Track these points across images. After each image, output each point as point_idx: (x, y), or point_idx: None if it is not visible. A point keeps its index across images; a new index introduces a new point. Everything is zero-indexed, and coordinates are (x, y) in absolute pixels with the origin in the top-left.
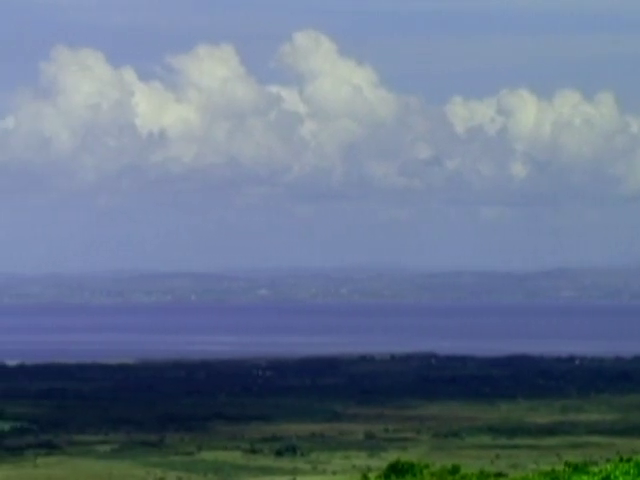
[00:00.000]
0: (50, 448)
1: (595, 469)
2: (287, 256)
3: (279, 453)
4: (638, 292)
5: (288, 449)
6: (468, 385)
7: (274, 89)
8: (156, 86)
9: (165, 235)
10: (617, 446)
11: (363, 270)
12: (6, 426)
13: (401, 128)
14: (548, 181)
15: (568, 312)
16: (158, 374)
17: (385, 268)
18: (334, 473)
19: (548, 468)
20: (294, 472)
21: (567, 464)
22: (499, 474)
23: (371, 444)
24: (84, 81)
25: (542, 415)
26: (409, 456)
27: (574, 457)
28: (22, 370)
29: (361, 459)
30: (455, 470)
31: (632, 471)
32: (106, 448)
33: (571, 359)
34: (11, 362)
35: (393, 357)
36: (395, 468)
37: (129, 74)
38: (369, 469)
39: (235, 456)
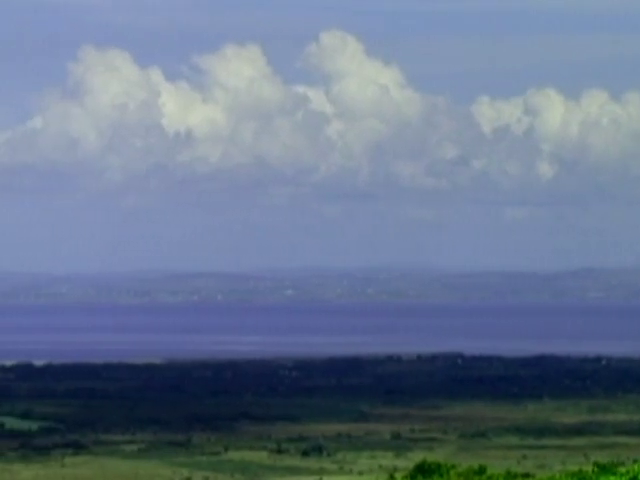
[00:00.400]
0: (77, 448)
1: (622, 469)
2: (313, 256)
3: (305, 453)
4: None
5: (314, 449)
6: (495, 385)
7: (301, 89)
8: (183, 86)
9: (192, 235)
10: None
11: (389, 270)
12: (34, 426)
13: (428, 128)
14: (575, 181)
15: (595, 312)
16: (185, 374)
17: (411, 268)
18: (360, 473)
19: (575, 468)
20: (320, 472)
21: (595, 464)
22: (526, 475)
23: (397, 444)
24: (111, 81)
25: (569, 415)
26: (435, 456)
27: (601, 457)
28: (49, 370)
29: (387, 459)
30: (482, 470)
31: None
32: (133, 448)
33: (598, 359)
34: (38, 362)
35: (419, 357)
36: (422, 468)
37: (156, 74)
38: (395, 469)
39: (261, 456)
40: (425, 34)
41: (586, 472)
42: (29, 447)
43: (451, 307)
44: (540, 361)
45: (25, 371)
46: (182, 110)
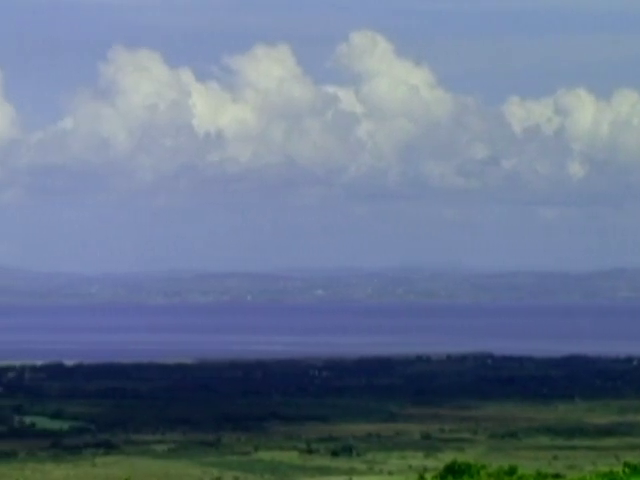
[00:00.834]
0: (108, 447)
1: None
2: (343, 256)
3: (335, 453)
4: None
5: (344, 449)
6: (525, 385)
7: (330, 89)
8: (213, 86)
9: (222, 235)
10: None
11: (419, 270)
12: (65, 425)
13: (458, 128)
14: (606, 181)
15: (626, 312)
16: (215, 374)
17: (441, 268)
18: (390, 473)
19: (606, 469)
20: (350, 472)
21: (625, 465)
22: (556, 475)
23: (427, 444)
24: (142, 82)
25: (600, 416)
26: (466, 457)
27: (632, 458)
28: (80, 370)
29: (417, 459)
30: (512, 471)
31: None
32: (163, 448)
33: (629, 360)
34: (69, 362)
35: (449, 357)
36: (452, 469)
37: (186, 75)
38: (425, 469)
39: (291, 456)
40: (455, 34)
41: (617, 473)
42: (60, 447)
43: (481, 307)
44: (571, 361)
45: (56, 371)
46: (212, 110)
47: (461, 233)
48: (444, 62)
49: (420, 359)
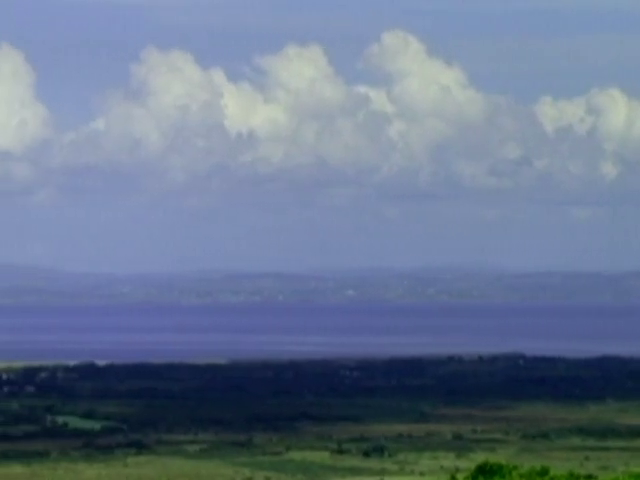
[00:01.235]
0: (140, 447)
1: None
2: (374, 256)
3: (367, 454)
4: None
5: (376, 449)
6: (557, 386)
7: (362, 89)
8: (245, 87)
9: (253, 235)
10: None
11: (451, 270)
12: (97, 425)
13: (490, 128)
14: (638, 181)
15: None
16: (246, 374)
17: (473, 268)
18: (422, 474)
19: (638, 470)
20: (382, 473)
21: None
22: (589, 476)
23: (459, 445)
24: (174, 82)
25: (632, 416)
26: (497, 457)
27: None
28: (112, 370)
29: (449, 460)
30: (544, 472)
31: None
32: (195, 448)
33: None
34: (101, 362)
35: (481, 358)
36: (483, 469)
37: (218, 75)
38: (457, 470)
39: (323, 456)
40: (487, 34)
41: None
42: (92, 447)
43: (512, 307)
44: (603, 362)
45: (88, 371)
46: (244, 111)
47: (493, 233)
48: (476, 62)
49: (452, 359)
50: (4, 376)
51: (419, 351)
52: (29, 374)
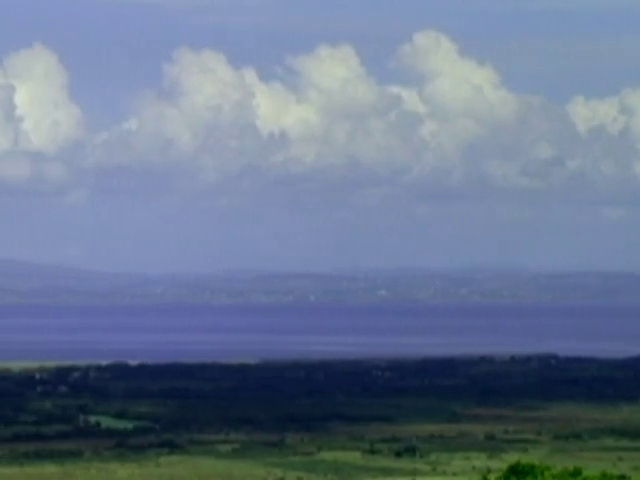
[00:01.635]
0: (172, 447)
1: None
2: (406, 256)
3: (398, 454)
4: None
5: (407, 450)
6: (589, 386)
7: (394, 89)
8: (277, 87)
9: (285, 235)
10: None
11: (483, 270)
12: (129, 425)
13: (522, 128)
14: None
15: None
16: (278, 374)
17: (505, 268)
18: (454, 474)
19: None
20: (414, 473)
21: None
22: (622, 476)
23: (491, 445)
24: (206, 82)
25: None
26: (530, 458)
27: None
28: (144, 370)
29: (481, 460)
30: (577, 472)
31: None
32: (227, 448)
33: None
34: (133, 362)
35: (513, 358)
36: (515, 470)
37: (250, 75)
38: (489, 470)
39: (355, 456)
40: (519, 34)
41: None
42: (125, 446)
43: (545, 308)
44: (636, 363)
45: (120, 371)
46: (276, 111)
47: (525, 233)
48: (508, 62)
49: (484, 360)
50: (37, 376)
51: (451, 351)
52: (62, 374)
